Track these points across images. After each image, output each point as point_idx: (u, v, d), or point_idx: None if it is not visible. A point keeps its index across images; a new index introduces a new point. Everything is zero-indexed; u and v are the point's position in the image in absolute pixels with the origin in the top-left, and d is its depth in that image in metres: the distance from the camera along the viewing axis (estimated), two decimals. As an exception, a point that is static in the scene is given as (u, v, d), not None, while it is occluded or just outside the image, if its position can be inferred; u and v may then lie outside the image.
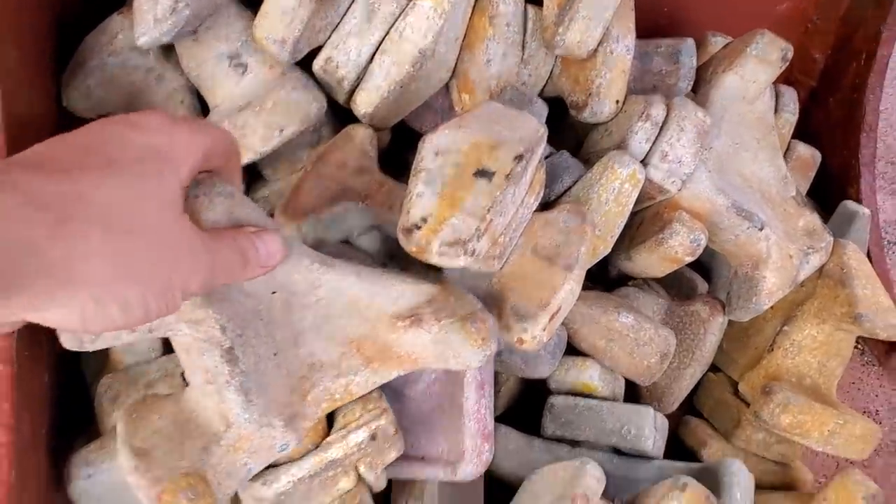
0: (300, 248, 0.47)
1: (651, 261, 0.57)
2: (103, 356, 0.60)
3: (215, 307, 0.43)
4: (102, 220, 0.31)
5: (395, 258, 0.55)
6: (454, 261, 0.44)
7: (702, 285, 0.65)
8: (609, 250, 0.55)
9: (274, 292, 0.47)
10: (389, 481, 0.53)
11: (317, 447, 0.49)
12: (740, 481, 0.52)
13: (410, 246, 0.45)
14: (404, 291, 0.48)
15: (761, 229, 0.56)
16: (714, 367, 0.65)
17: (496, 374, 0.56)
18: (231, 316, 0.44)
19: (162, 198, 0.35)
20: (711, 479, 0.52)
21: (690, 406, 0.67)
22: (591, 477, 0.48)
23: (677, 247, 0.54)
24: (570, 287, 0.47)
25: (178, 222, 0.35)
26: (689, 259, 0.55)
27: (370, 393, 0.51)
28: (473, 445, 0.50)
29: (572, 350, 0.57)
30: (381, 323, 0.48)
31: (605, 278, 0.66)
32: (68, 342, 0.41)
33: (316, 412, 0.48)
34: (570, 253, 0.48)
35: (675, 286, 0.64)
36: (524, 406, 0.62)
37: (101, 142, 0.34)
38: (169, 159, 0.35)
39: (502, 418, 0.59)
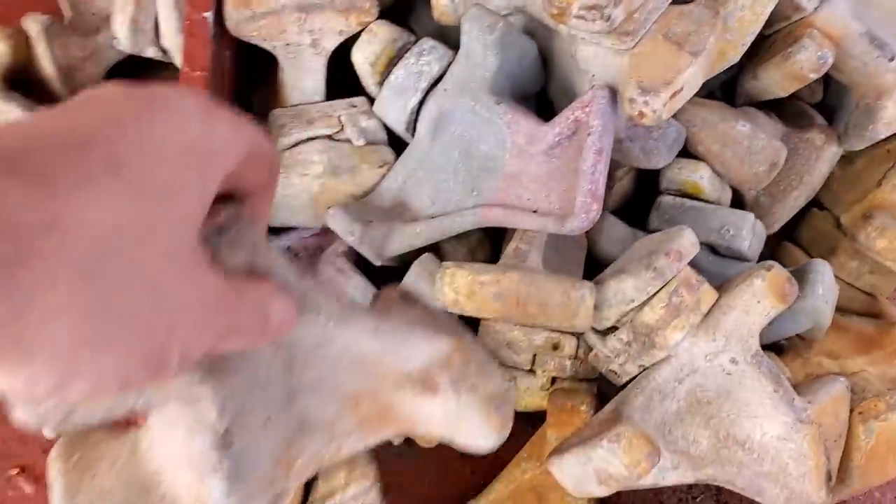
0: (317, 301, 0.39)
1: (776, 78, 0.59)
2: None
3: (215, 383, 0.36)
4: (80, 261, 0.22)
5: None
6: (590, 25, 0.46)
7: (820, 121, 0.67)
8: (738, 58, 0.57)
9: (276, 350, 0.41)
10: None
11: None
12: (824, 279, 0.55)
13: (552, 8, 0.46)
14: (419, 347, 0.44)
15: (891, 60, 0.58)
16: (820, 206, 0.68)
17: (613, 164, 0.60)
18: (229, 391, 0.37)
19: (180, 225, 0.25)
20: (799, 280, 0.54)
21: (790, 238, 0.70)
22: (688, 240, 0.50)
23: (804, 62, 0.56)
24: (693, 71, 0.49)
25: (193, 263, 0.26)
26: (814, 76, 0.57)
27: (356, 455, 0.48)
28: (583, 202, 0.50)
29: (687, 154, 0.61)
30: (386, 381, 0.43)
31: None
32: (24, 415, 0.30)
33: (300, 480, 0.44)
34: (699, 41, 0.50)
35: (794, 119, 0.67)
36: (634, 205, 0.66)
37: (108, 129, 0.24)
38: (202, 163, 0.26)
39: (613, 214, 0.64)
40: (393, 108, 0.59)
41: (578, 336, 0.55)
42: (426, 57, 0.58)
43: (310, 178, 0.58)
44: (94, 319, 0.22)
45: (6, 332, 0.21)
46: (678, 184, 0.61)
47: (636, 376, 0.52)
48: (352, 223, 0.56)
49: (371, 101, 0.60)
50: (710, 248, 0.61)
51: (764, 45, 0.61)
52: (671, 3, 0.53)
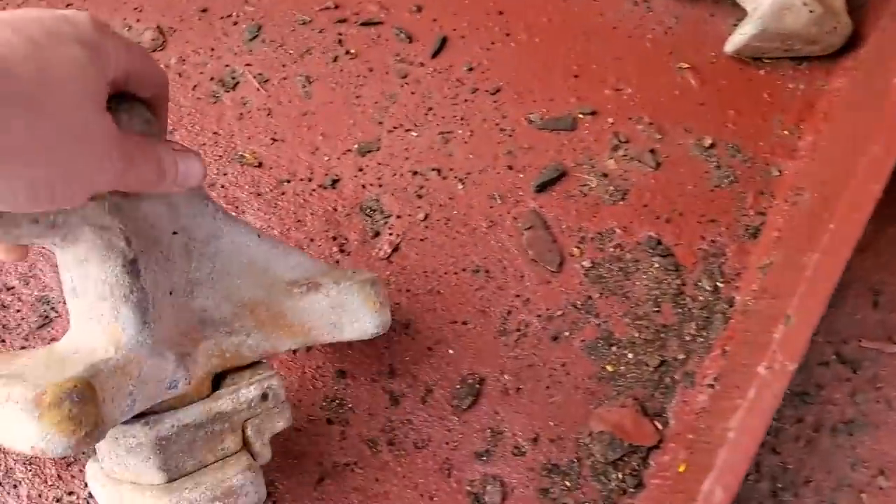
0: (207, 195, 0.48)
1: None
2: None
3: (123, 218, 0.41)
4: (19, 96, 0.30)
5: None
6: None
7: None
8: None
9: (175, 233, 0.47)
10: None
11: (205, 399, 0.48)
12: None
13: None
14: (302, 262, 0.52)
15: None
16: None
17: None
18: (136, 233, 0.42)
19: (86, 87, 0.34)
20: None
21: None
22: None
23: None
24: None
25: (97, 115, 0.35)
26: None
27: (260, 362, 0.52)
28: None
29: None
30: (276, 289, 0.50)
31: None
32: None
33: (206, 364, 0.48)
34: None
35: None
36: None
37: (28, 21, 0.33)
38: (98, 55, 0.35)
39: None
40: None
41: None
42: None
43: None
44: (29, 138, 0.31)
45: None
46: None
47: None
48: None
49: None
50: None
51: None
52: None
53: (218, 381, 0.50)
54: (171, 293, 0.45)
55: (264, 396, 0.50)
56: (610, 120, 0.84)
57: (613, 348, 0.71)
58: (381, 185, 0.77)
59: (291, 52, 0.85)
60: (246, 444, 0.50)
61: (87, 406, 0.36)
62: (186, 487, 0.46)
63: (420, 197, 0.77)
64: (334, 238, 0.73)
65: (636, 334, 0.72)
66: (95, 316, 0.42)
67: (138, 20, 0.86)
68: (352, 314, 0.53)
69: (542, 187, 0.79)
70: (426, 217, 0.75)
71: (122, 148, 0.37)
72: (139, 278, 0.42)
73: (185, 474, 0.47)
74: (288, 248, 0.53)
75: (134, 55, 0.39)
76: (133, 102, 0.42)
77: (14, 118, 0.30)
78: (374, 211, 0.75)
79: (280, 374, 0.54)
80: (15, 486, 0.60)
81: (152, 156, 0.40)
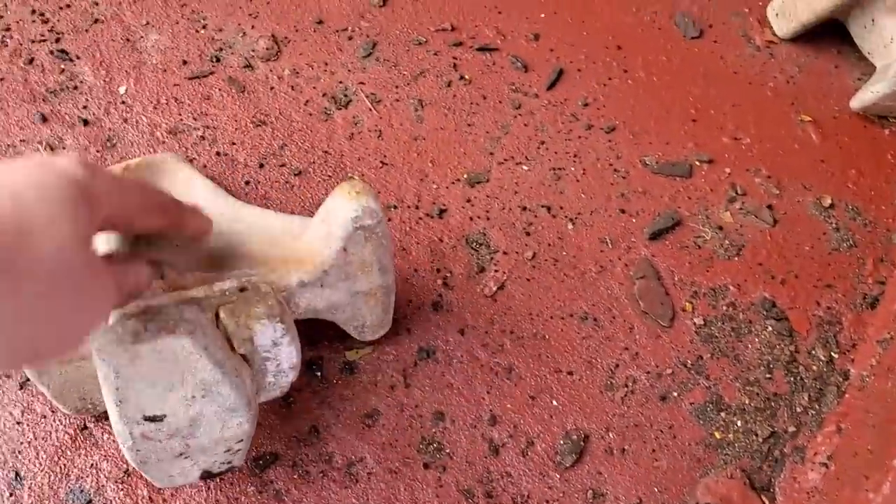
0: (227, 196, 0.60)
1: None
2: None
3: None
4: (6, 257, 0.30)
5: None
6: None
7: None
8: None
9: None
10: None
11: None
12: None
13: None
14: (307, 223, 0.58)
15: None
16: None
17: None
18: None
19: (72, 233, 0.33)
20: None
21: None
22: None
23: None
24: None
25: (82, 261, 0.34)
26: None
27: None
28: None
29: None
30: (289, 241, 0.56)
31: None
32: None
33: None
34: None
35: None
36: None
37: (12, 173, 0.33)
38: (86, 196, 0.35)
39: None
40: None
41: None
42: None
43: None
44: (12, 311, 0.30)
45: None
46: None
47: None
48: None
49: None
50: None
51: None
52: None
53: None
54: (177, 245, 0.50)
55: (242, 289, 0.50)
56: (727, 170, 0.80)
57: (722, 414, 0.67)
58: (488, 219, 0.74)
59: (405, 73, 0.83)
60: (219, 327, 0.50)
61: None
62: None
63: (528, 234, 0.73)
64: (438, 270, 0.70)
65: (746, 401, 0.68)
66: None
67: (253, 27, 0.84)
68: (333, 213, 0.53)
69: (656, 235, 0.75)
70: (534, 256, 0.72)
71: (112, 276, 0.38)
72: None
73: None
74: (303, 217, 0.59)
75: (129, 195, 0.40)
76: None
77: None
78: (481, 245, 0.72)
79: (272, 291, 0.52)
80: None
81: (134, 268, 0.43)
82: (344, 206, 0.53)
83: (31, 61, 0.79)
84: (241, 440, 0.52)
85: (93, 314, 0.36)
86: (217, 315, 0.49)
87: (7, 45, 0.80)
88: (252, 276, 0.52)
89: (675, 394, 0.67)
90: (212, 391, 0.48)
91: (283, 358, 0.53)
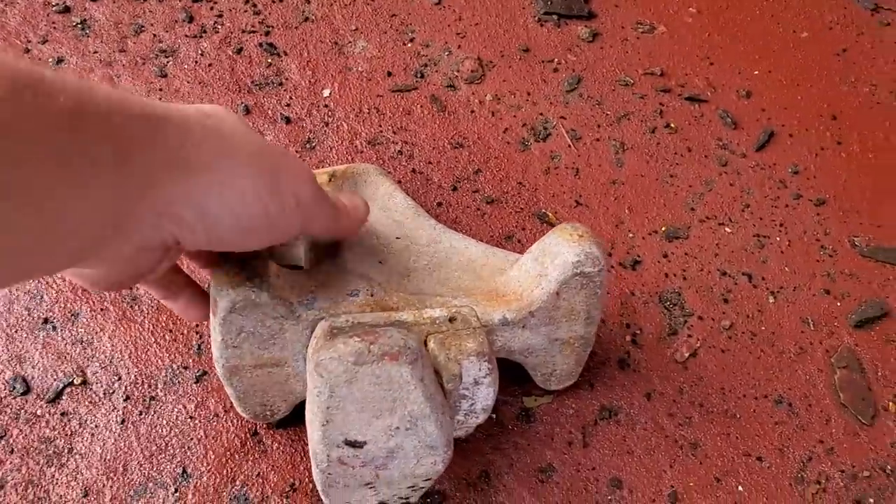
0: (426, 216, 0.56)
1: None
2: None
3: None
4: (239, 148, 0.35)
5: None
6: None
7: None
8: None
9: (398, 238, 0.54)
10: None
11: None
12: None
13: None
14: (510, 256, 0.54)
15: None
16: None
17: None
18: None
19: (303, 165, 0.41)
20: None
21: None
22: None
23: None
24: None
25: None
26: None
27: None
28: None
29: None
30: (491, 275, 0.52)
31: None
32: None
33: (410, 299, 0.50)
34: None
35: None
36: None
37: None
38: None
39: None
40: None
41: None
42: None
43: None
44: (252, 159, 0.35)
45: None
46: None
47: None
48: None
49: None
50: None
51: None
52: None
53: None
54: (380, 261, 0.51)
55: (451, 319, 0.48)
56: (944, 263, 0.72)
57: (920, 531, 0.59)
58: (685, 279, 0.68)
59: (608, 113, 0.78)
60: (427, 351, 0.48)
61: None
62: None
63: (726, 301, 0.67)
64: (628, 326, 0.65)
65: (949, 522, 0.60)
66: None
67: (459, 46, 0.81)
68: (552, 252, 0.50)
69: (862, 324, 0.68)
70: (731, 326, 0.66)
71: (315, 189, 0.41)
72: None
73: None
74: (505, 251, 0.55)
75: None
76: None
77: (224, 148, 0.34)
78: (675, 305, 0.67)
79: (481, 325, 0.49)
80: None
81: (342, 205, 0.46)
82: (565, 249, 0.49)
83: (239, 51, 0.78)
84: (430, 479, 0.49)
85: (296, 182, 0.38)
86: (425, 343, 0.46)
87: (218, 32, 0.79)
88: (458, 306, 0.49)
89: (871, 500, 0.60)
90: (417, 425, 0.44)
91: (479, 398, 0.49)
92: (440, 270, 0.52)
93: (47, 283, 0.62)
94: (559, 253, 0.50)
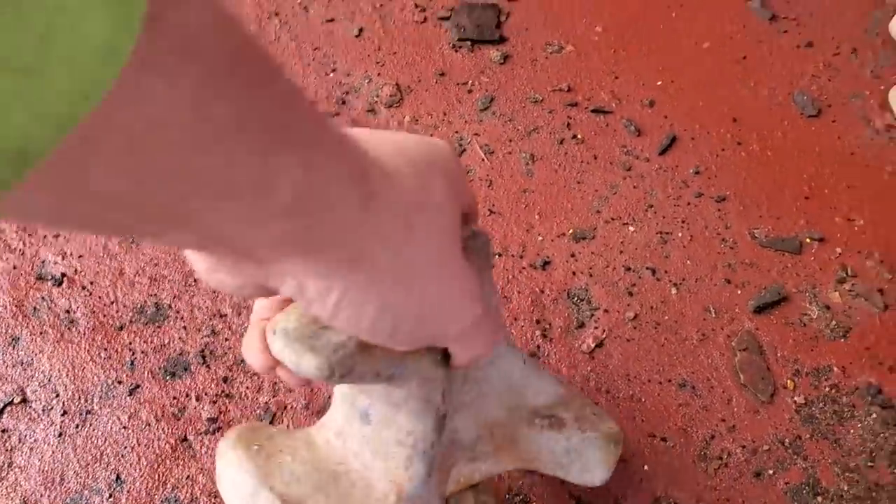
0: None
1: None
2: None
3: (446, 370, 0.37)
4: (400, 208, 0.28)
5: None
6: None
7: None
8: None
9: None
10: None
11: None
12: None
13: None
14: (550, 388, 0.47)
15: None
16: None
17: None
18: (449, 383, 0.39)
19: (452, 220, 0.31)
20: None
21: None
22: None
23: None
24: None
25: (458, 251, 0.32)
26: None
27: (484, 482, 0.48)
28: None
29: None
30: (518, 413, 0.46)
31: None
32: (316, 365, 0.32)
33: (445, 493, 0.45)
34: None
35: None
36: None
37: (406, 144, 0.31)
38: (456, 190, 0.32)
39: None
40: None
41: None
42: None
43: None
44: (399, 259, 0.28)
45: (356, 251, 0.26)
46: None
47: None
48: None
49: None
50: None
51: None
52: None
53: None
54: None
55: None
56: (838, 250, 0.77)
57: (818, 498, 0.63)
58: (591, 275, 0.72)
59: (519, 128, 0.82)
60: None
61: None
62: None
63: (631, 294, 0.71)
64: (538, 321, 0.69)
65: (845, 487, 0.63)
66: (383, 454, 0.38)
67: (379, 74, 0.85)
68: (584, 464, 0.48)
69: (761, 309, 0.72)
70: (635, 317, 0.70)
71: (478, 294, 0.33)
72: (443, 434, 0.39)
73: None
74: (542, 374, 0.48)
75: (472, 194, 0.36)
76: (477, 234, 0.37)
77: (392, 231, 0.27)
78: (582, 301, 0.70)
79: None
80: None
81: (496, 315, 0.37)
82: (597, 470, 0.49)
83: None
84: None
85: (454, 316, 0.32)
86: None
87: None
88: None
89: (771, 472, 0.63)
90: None
91: None
92: (478, 403, 0.46)
93: (-15, 313, 0.65)
94: (591, 470, 0.48)
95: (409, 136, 0.32)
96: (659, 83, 0.89)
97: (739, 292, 0.72)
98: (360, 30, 0.90)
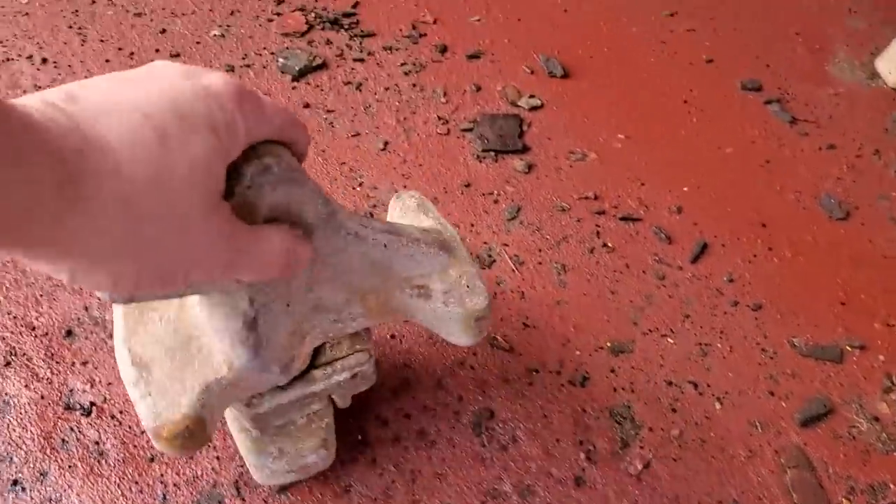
0: (341, 220, 0.43)
1: None
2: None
3: (249, 286, 0.41)
4: (125, 193, 0.27)
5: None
6: None
7: None
8: None
9: None
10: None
11: (301, 377, 0.49)
12: None
13: None
14: (422, 260, 0.48)
15: None
16: None
17: None
18: (260, 286, 0.41)
19: (204, 187, 0.30)
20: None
21: None
22: None
23: None
24: None
25: (208, 215, 0.31)
26: None
27: (358, 333, 0.51)
28: None
29: None
30: (391, 282, 0.47)
31: None
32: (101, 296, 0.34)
33: (309, 351, 0.49)
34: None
35: None
36: None
37: (162, 101, 0.29)
38: (229, 136, 0.31)
39: None
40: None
41: None
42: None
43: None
44: (125, 240, 0.27)
45: (64, 239, 0.26)
46: None
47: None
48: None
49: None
50: None
51: None
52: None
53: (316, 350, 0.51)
54: (288, 305, 0.44)
55: (354, 377, 0.52)
56: (881, 357, 0.75)
57: None
58: (633, 391, 0.70)
59: (548, 237, 0.82)
60: (330, 401, 0.55)
61: (196, 437, 0.42)
62: (271, 454, 0.55)
63: (674, 411, 0.69)
64: (581, 443, 0.66)
65: None
66: (216, 332, 0.43)
67: (405, 186, 0.85)
68: (450, 330, 0.50)
69: (808, 422, 0.69)
70: (680, 434, 0.67)
71: (230, 246, 0.33)
72: (256, 329, 0.42)
73: (273, 426, 0.53)
74: (415, 248, 0.48)
75: (277, 124, 0.35)
76: (272, 160, 0.36)
77: (114, 222, 0.27)
78: (625, 419, 0.68)
79: (372, 350, 0.52)
80: None
81: (262, 248, 0.35)
82: (461, 337, 0.50)
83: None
84: None
85: (195, 267, 0.32)
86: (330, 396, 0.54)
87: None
88: (360, 364, 0.52)
89: None
90: None
91: None
92: (343, 276, 0.47)
93: (16, 444, 0.62)
94: (456, 335, 0.50)
95: (173, 84, 0.30)
96: (685, 189, 0.88)
97: (784, 405, 0.70)
98: (385, 143, 0.90)
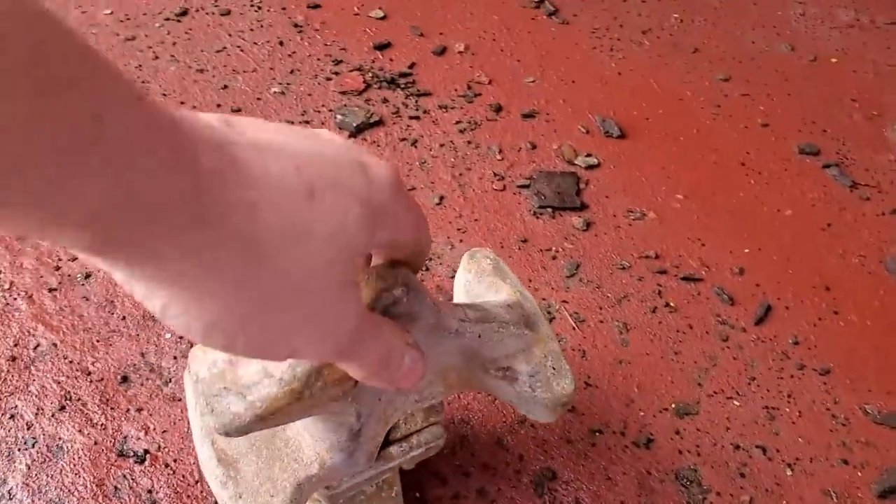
0: (445, 323, 0.42)
1: None
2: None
3: (358, 396, 0.40)
4: (253, 234, 0.25)
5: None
6: None
7: None
8: None
9: None
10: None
11: (378, 455, 0.48)
12: None
13: None
14: (508, 343, 0.45)
15: None
16: None
17: None
18: (366, 397, 0.41)
19: (341, 255, 0.27)
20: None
21: None
22: None
23: None
24: None
25: (344, 285, 0.28)
26: None
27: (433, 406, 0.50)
28: None
29: None
30: (474, 362, 0.45)
31: None
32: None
33: (387, 429, 0.47)
34: None
35: None
36: None
37: (319, 162, 0.27)
38: (377, 220, 0.29)
39: None
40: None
41: None
42: None
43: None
44: (238, 284, 0.25)
45: (174, 254, 0.23)
46: None
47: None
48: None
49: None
50: None
51: None
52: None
53: None
54: (379, 399, 0.42)
55: (427, 450, 0.51)
56: (959, 427, 0.71)
57: None
58: (699, 454, 0.67)
59: (609, 295, 0.80)
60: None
61: None
62: None
63: (743, 476, 0.66)
64: (647, 507, 0.63)
65: None
66: (310, 437, 0.43)
67: (461, 240, 0.84)
68: (533, 411, 0.48)
69: (886, 493, 0.66)
70: (751, 501, 0.64)
71: (356, 324, 0.30)
72: (358, 439, 0.42)
73: (344, 498, 0.52)
74: (500, 332, 0.45)
75: (413, 223, 0.33)
76: (399, 269, 0.36)
77: (231, 260, 0.24)
78: (692, 483, 0.65)
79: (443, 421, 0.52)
80: None
81: (383, 350, 0.32)
82: (542, 416, 0.48)
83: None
84: None
85: (308, 344, 0.29)
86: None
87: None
88: (435, 439, 0.52)
89: None
90: None
91: None
92: (430, 359, 0.44)
93: (69, 490, 0.61)
94: (537, 415, 0.48)
95: (336, 149, 0.29)
96: (746, 250, 0.86)
97: (860, 474, 0.67)
98: (441, 198, 0.89)
